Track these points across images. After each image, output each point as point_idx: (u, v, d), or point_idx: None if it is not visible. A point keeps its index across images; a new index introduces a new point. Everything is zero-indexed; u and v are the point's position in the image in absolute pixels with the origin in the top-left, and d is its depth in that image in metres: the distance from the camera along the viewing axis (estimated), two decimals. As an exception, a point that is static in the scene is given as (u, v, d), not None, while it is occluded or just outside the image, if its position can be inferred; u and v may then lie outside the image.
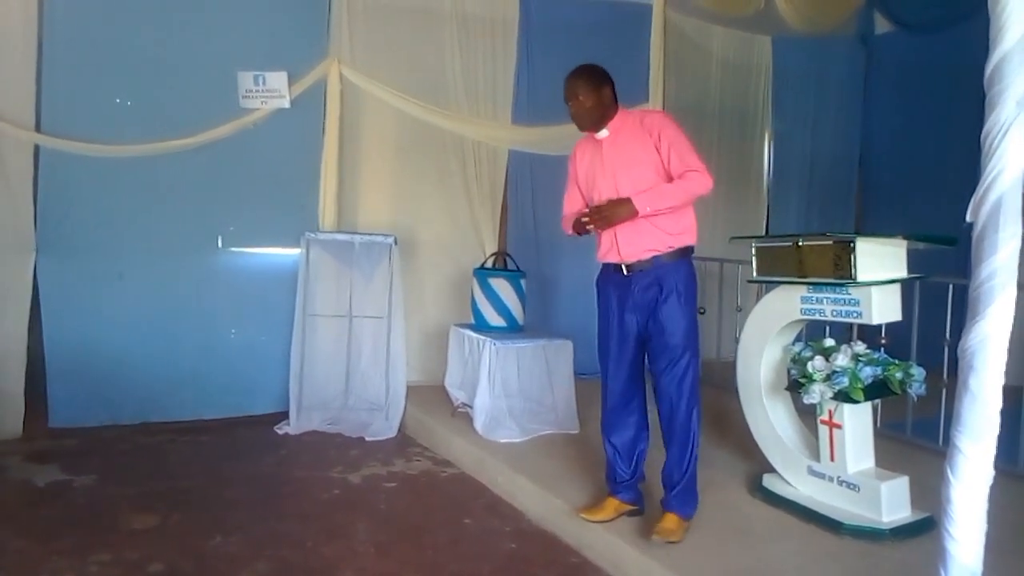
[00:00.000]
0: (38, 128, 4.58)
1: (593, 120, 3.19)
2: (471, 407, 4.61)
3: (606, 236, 3.18)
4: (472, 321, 4.96)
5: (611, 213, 3.05)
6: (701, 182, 3.01)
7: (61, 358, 4.65)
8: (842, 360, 3.18)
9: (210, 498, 3.79)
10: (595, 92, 3.15)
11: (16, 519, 3.45)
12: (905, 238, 3.18)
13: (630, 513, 3.30)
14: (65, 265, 4.67)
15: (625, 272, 3.17)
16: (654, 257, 3.10)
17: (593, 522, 3.27)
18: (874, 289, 3.10)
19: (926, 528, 3.04)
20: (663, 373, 3.14)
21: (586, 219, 3.13)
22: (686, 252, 3.16)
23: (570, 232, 3.31)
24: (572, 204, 3.39)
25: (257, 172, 5.12)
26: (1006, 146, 1.70)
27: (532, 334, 4.86)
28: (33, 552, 3.12)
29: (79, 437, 4.57)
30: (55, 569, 2.99)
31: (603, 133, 3.21)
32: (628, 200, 3.02)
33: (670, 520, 3.08)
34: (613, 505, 3.30)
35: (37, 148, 4.60)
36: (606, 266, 3.27)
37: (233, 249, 5.14)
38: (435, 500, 3.93)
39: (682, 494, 3.13)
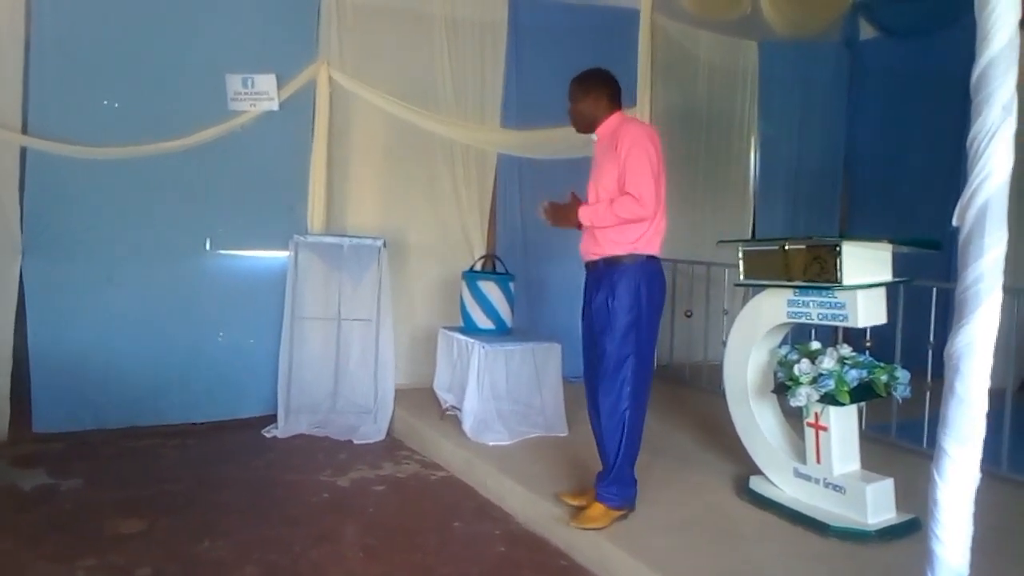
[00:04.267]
0: (25, 130, 4.55)
1: (582, 124, 3.41)
2: (460, 410, 4.61)
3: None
4: (461, 324, 4.96)
5: (557, 215, 3.35)
6: (630, 208, 3.10)
7: (47, 362, 4.61)
8: (828, 363, 3.20)
9: (198, 502, 3.77)
10: (584, 98, 3.34)
11: (1, 524, 3.42)
12: (890, 242, 3.21)
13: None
14: (51, 268, 4.63)
15: (587, 270, 3.39)
16: (599, 259, 3.28)
17: (567, 504, 3.42)
18: (859, 292, 3.14)
19: (912, 530, 3.08)
20: (596, 368, 3.30)
21: (543, 209, 3.38)
22: (633, 259, 3.21)
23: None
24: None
25: (246, 175, 5.10)
26: (992, 151, 1.72)
27: (520, 337, 4.87)
28: (19, 557, 3.10)
29: (65, 441, 4.53)
30: (41, 574, 2.97)
31: (593, 136, 3.39)
32: (575, 210, 3.25)
33: (595, 508, 3.25)
34: (592, 493, 3.38)
35: (24, 150, 4.57)
36: None
37: (221, 252, 5.11)
38: (424, 503, 3.92)
39: (610, 485, 3.25)
